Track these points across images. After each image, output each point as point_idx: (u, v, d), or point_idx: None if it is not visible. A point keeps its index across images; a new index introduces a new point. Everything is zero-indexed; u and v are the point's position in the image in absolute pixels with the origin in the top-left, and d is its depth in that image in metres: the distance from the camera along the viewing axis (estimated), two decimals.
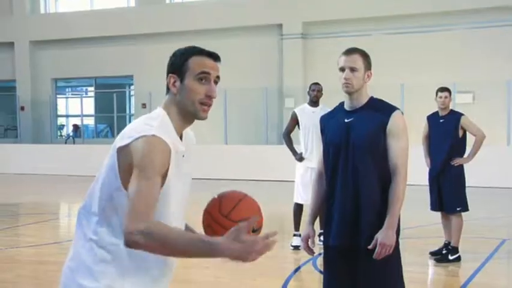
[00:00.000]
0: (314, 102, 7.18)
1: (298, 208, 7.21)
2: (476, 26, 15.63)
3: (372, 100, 3.23)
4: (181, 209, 2.18)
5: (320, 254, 6.71)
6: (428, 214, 7.06)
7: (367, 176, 3.13)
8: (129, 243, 1.89)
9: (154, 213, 1.93)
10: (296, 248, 7.00)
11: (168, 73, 2.12)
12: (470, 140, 6.54)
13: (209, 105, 2.11)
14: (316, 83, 7.23)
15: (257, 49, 17.86)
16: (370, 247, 3.06)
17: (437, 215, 6.69)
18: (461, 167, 6.50)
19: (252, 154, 15.24)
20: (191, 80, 2.07)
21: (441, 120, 6.58)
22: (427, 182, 6.72)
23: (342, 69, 3.17)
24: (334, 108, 3.39)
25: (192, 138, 2.29)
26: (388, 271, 3.15)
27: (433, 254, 6.57)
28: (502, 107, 14.26)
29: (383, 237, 3.02)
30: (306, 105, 7.29)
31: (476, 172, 12.48)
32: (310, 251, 3.29)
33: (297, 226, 7.19)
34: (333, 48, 16.75)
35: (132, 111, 21.50)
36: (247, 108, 17.59)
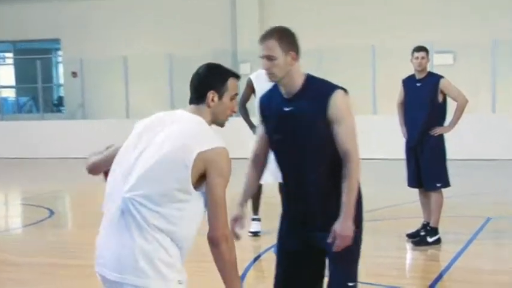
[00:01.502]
0: None
1: (258, 189, 7.24)
2: None
3: (308, 82, 3.30)
4: None
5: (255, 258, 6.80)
6: (405, 191, 7.19)
7: (317, 166, 3.30)
8: (215, 242, 2.69)
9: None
10: (255, 234, 7.06)
11: (206, 88, 2.84)
12: (450, 106, 6.65)
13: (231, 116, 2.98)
14: None
15: (206, 6, 17.68)
16: (328, 241, 3.22)
17: (415, 192, 6.81)
18: (441, 137, 6.62)
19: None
20: (228, 99, 2.87)
21: (418, 84, 6.66)
22: (403, 155, 6.84)
23: (262, 57, 3.28)
24: (272, 90, 3.45)
25: None
26: (355, 247, 3.32)
27: (410, 236, 6.71)
28: (486, 70, 14.53)
29: (340, 229, 3.19)
30: (262, 71, 7.24)
31: (457, 143, 12.77)
32: (236, 236, 3.34)
33: (255, 209, 7.23)
34: (293, 6, 16.86)
35: (61, 81, 21.10)
36: None
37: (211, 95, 2.83)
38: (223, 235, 2.68)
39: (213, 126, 2.89)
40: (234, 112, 2.95)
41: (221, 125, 2.94)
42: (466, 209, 8.41)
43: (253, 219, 7.17)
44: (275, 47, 3.19)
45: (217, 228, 2.68)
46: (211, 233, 2.69)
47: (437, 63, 14.77)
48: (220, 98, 2.85)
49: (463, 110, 6.62)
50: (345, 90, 3.27)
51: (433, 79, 6.62)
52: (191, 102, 2.89)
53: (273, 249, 6.47)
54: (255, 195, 7.26)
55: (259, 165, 3.49)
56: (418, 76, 6.67)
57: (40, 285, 5.72)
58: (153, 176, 2.67)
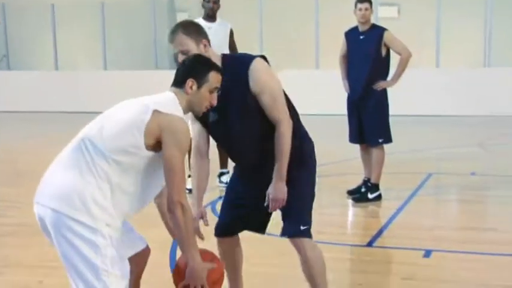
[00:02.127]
0: (210, 17, 7.15)
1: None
2: None
3: (225, 63, 3.42)
4: None
5: (220, 197, 6.87)
6: (347, 147, 7.32)
7: (259, 136, 3.49)
8: (171, 209, 2.87)
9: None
10: (191, 191, 7.08)
11: (187, 75, 3.03)
12: (394, 60, 6.75)
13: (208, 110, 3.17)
14: None
15: None
16: (265, 205, 3.49)
17: (357, 148, 6.95)
18: (384, 92, 6.73)
19: (138, 81, 14.94)
20: (206, 91, 3.05)
21: (361, 37, 6.73)
22: (345, 111, 6.93)
23: (175, 55, 3.43)
24: None
25: None
26: (307, 191, 3.61)
27: (350, 193, 6.86)
28: (430, 23, 14.76)
29: (273, 192, 3.46)
30: (201, 20, 7.21)
31: (400, 98, 13.00)
32: (199, 233, 3.51)
33: (223, 163, 7.38)
34: None
35: None
36: (130, 26, 17.17)
37: (190, 82, 3.02)
38: (177, 202, 2.84)
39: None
40: (212, 105, 3.11)
41: (197, 113, 3.14)
42: (408, 166, 8.63)
43: (223, 173, 7.36)
44: (185, 40, 3.35)
45: (171, 196, 2.86)
46: (167, 200, 2.89)
47: (381, 16, 14.94)
48: (198, 87, 3.03)
49: (407, 63, 6.73)
50: (262, 57, 3.45)
51: (377, 31, 6.70)
52: (172, 84, 3.09)
53: (210, 205, 6.55)
54: (222, 150, 7.35)
55: (204, 156, 3.63)
56: (362, 28, 6.74)
57: None
58: (112, 128, 2.90)
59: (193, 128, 3.63)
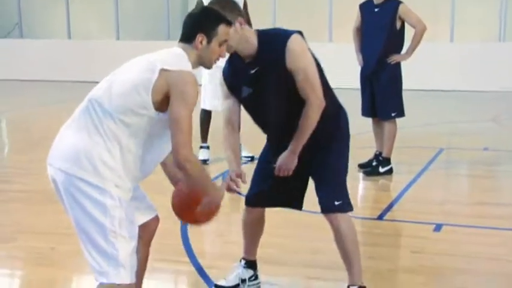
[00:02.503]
0: None
1: (206, 115, 7.25)
2: None
3: (262, 40, 3.44)
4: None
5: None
6: (359, 121, 7.29)
7: (294, 113, 3.47)
8: (180, 166, 2.84)
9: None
10: (204, 162, 7.09)
11: (196, 30, 2.98)
12: (408, 33, 6.69)
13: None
14: None
15: None
16: (273, 166, 3.59)
17: (369, 121, 6.92)
18: (398, 65, 6.69)
19: (150, 51, 14.93)
20: (216, 44, 3.00)
21: (376, 9, 6.67)
22: (358, 85, 6.90)
23: None
24: (229, 61, 3.61)
25: None
26: (339, 167, 3.66)
27: (362, 166, 6.85)
28: None
29: (282, 160, 3.53)
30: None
31: (414, 72, 12.93)
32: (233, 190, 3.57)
33: (204, 136, 7.25)
34: None
35: None
36: None
37: (200, 37, 2.98)
38: (185, 158, 2.81)
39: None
40: (222, 57, 3.08)
41: (207, 67, 3.08)
42: (420, 140, 8.60)
43: (201, 147, 7.20)
44: None
45: (177, 151, 2.82)
46: (174, 157, 2.85)
47: None
48: (208, 42, 2.99)
49: (422, 37, 6.67)
50: (299, 32, 3.42)
51: (392, 4, 6.63)
52: (180, 40, 3.04)
53: (221, 177, 6.56)
54: (204, 121, 7.28)
55: (236, 130, 3.66)
56: (376, 1, 6.67)
57: None
58: (119, 89, 2.88)
59: (225, 103, 3.67)
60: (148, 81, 2.84)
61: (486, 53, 13.91)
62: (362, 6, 6.87)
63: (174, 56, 2.96)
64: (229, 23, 3.06)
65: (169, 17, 16.16)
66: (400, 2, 6.65)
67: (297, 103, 3.43)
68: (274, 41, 3.42)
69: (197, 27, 2.99)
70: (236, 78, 3.57)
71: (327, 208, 3.59)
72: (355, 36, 6.92)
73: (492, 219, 5.31)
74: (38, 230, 5.06)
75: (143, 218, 3.19)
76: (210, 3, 3.40)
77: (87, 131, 2.86)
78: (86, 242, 2.87)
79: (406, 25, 6.67)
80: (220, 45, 3.02)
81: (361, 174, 6.72)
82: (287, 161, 3.51)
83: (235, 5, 3.41)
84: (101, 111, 2.86)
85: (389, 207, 5.69)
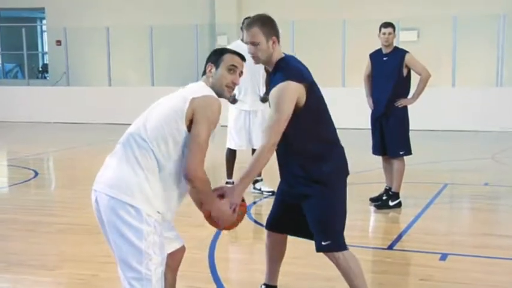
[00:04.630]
0: None
1: (231, 154, 7.26)
2: None
3: (278, 65, 3.48)
4: None
5: (254, 202, 6.87)
6: (370, 159, 7.26)
7: (283, 142, 3.46)
8: (190, 180, 2.91)
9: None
10: None
11: (206, 62, 3.17)
12: (414, 80, 6.69)
13: (232, 89, 3.17)
14: (250, 17, 7.17)
15: None
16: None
17: (379, 159, 6.88)
18: (405, 108, 6.67)
19: None
20: (223, 70, 3.10)
21: (384, 58, 6.69)
22: (369, 125, 6.88)
23: (246, 43, 3.50)
24: None
25: None
26: (324, 210, 3.50)
27: (373, 200, 6.79)
28: (447, 46, 14.61)
29: (229, 192, 3.28)
30: (239, 42, 7.22)
31: (419, 114, 12.87)
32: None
33: (229, 173, 7.25)
34: None
35: (46, 49, 20.75)
36: (175, 47, 17.30)
37: (209, 66, 3.14)
38: (195, 176, 2.90)
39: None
40: (234, 84, 3.13)
41: (223, 96, 3.13)
42: (426, 176, 8.51)
43: (227, 183, 7.20)
44: (258, 34, 3.39)
45: (189, 168, 2.89)
46: (186, 171, 2.90)
47: (402, 40, 14.81)
48: (216, 68, 3.11)
49: (426, 83, 6.67)
50: (299, 80, 3.37)
51: (399, 54, 6.64)
52: (202, 76, 3.20)
53: (248, 208, 6.53)
54: (229, 159, 7.30)
55: None
56: (385, 51, 6.69)
57: (16, 240, 5.69)
58: (153, 122, 2.97)
59: None
60: (181, 111, 2.93)
61: (486, 96, 13.86)
62: (372, 55, 6.89)
63: (199, 86, 3.09)
64: (235, 53, 3.16)
65: (198, 65, 16.33)
66: (406, 52, 6.67)
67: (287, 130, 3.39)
68: (280, 73, 3.41)
69: (207, 61, 3.19)
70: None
71: (317, 248, 3.54)
72: (365, 82, 6.93)
73: (495, 250, 5.22)
74: (80, 259, 5.06)
75: (171, 247, 3.19)
76: (253, 18, 3.48)
77: (128, 161, 2.91)
78: (123, 265, 2.89)
79: (412, 72, 6.67)
80: (229, 70, 3.12)
81: (372, 208, 6.67)
82: (229, 193, 3.25)
83: (274, 24, 3.46)
84: (140, 144, 2.93)
85: (399, 237, 5.62)
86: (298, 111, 3.38)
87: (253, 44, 3.40)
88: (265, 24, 3.41)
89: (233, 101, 7.13)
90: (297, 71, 3.43)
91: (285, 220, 3.72)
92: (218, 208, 3.11)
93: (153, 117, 3.00)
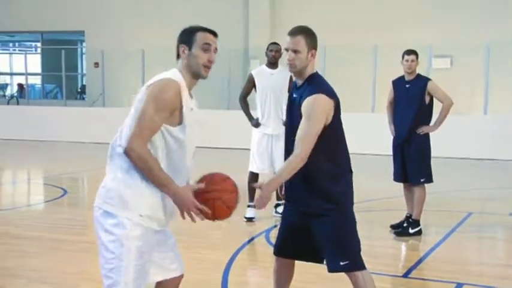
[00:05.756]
0: (272, 64, 7.23)
1: (253, 178, 7.29)
2: None
3: (311, 78, 3.55)
4: (191, 155, 3.02)
5: (275, 225, 6.87)
6: (391, 185, 7.21)
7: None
8: (127, 155, 2.78)
9: (150, 136, 2.81)
10: (250, 219, 7.11)
11: (178, 44, 2.98)
12: (437, 107, 6.66)
13: (209, 68, 2.98)
14: (275, 43, 7.27)
15: (220, 6, 17.71)
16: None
17: (400, 186, 6.83)
18: (426, 136, 6.63)
19: (213, 119, 15.24)
20: (197, 49, 2.93)
21: (407, 85, 6.67)
22: (391, 152, 6.85)
23: (286, 50, 3.52)
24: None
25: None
26: (340, 230, 3.52)
27: (393, 227, 6.74)
28: (480, 73, 14.47)
29: (262, 191, 3.39)
30: (264, 67, 7.33)
31: (451, 142, 12.77)
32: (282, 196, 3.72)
33: (251, 197, 7.28)
34: (303, 5, 16.82)
35: (84, 71, 21.21)
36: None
37: (182, 47, 2.97)
38: (130, 148, 2.77)
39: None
40: (210, 62, 2.96)
41: (201, 76, 2.98)
42: (451, 204, 8.41)
43: (249, 206, 7.23)
44: (302, 42, 3.46)
45: (127, 141, 2.79)
46: (125, 144, 2.81)
47: (435, 67, 14.76)
48: (190, 49, 2.95)
49: (448, 111, 6.62)
50: (330, 96, 3.45)
51: (422, 81, 6.63)
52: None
53: (265, 233, 6.55)
54: (251, 182, 7.32)
55: None
56: (408, 78, 6.68)
57: (39, 257, 5.80)
58: (126, 124, 2.90)
59: None
60: (140, 101, 2.84)
61: None
62: (395, 83, 6.89)
63: (162, 73, 2.94)
64: (207, 30, 2.99)
65: (230, 88, 16.47)
66: (429, 79, 6.65)
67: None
68: (314, 83, 3.50)
69: (178, 42, 3.00)
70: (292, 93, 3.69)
71: (334, 268, 3.55)
72: (388, 109, 6.93)
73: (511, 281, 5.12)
74: (99, 278, 5.12)
75: (164, 274, 3.09)
76: (299, 27, 3.52)
77: (110, 170, 2.91)
78: (101, 268, 2.89)
79: (435, 99, 6.63)
80: (203, 49, 2.94)
81: (392, 234, 6.61)
82: (263, 190, 3.37)
83: (316, 39, 3.54)
84: (117, 150, 2.89)
85: (415, 265, 5.56)
86: (322, 128, 3.44)
87: (295, 51, 3.44)
88: (309, 35, 3.50)
89: (256, 124, 7.19)
90: (329, 87, 3.53)
91: (293, 244, 3.72)
92: (176, 193, 2.83)
93: (125, 121, 2.94)
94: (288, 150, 3.57)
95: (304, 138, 3.38)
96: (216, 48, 2.99)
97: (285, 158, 3.62)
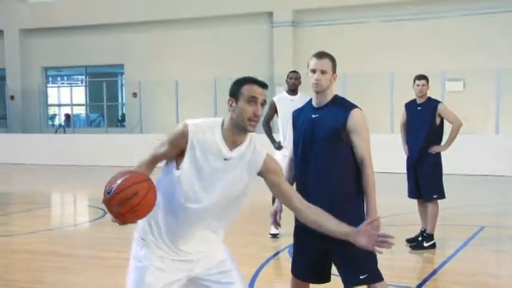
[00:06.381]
0: (292, 91, 7.26)
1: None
2: (467, 13, 15.68)
3: (336, 98, 3.64)
4: (200, 202, 2.76)
5: None
6: (407, 202, 7.14)
7: (331, 166, 3.51)
8: None
9: (150, 163, 2.84)
10: (274, 236, 7.09)
11: (228, 97, 2.79)
12: (447, 128, 6.60)
13: (256, 121, 2.74)
14: (294, 71, 7.32)
15: (247, 37, 17.91)
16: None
17: (416, 202, 6.76)
18: (438, 154, 6.58)
19: None
20: (243, 103, 2.71)
21: (418, 108, 6.65)
22: (405, 170, 6.80)
23: (313, 71, 3.57)
24: (304, 105, 3.79)
25: (258, 157, 2.86)
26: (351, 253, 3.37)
27: (409, 241, 6.66)
28: (492, 95, 14.31)
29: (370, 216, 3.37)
30: (285, 94, 7.37)
31: (466, 160, 12.61)
32: (276, 224, 3.73)
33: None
34: (323, 36, 16.91)
35: (124, 100, 21.56)
36: None
37: (229, 101, 2.78)
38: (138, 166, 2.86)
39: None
40: (256, 116, 2.71)
41: (246, 130, 2.74)
42: (464, 219, 8.28)
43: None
44: (328, 65, 3.56)
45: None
46: None
47: (448, 90, 14.63)
48: (236, 102, 2.74)
49: (458, 131, 6.57)
50: (360, 109, 3.58)
51: (432, 104, 6.60)
52: None
53: (288, 248, 6.53)
54: (275, 200, 7.32)
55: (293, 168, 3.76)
56: (419, 101, 6.66)
57: (78, 273, 5.87)
58: None
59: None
60: None
61: None
62: (407, 105, 6.86)
63: (199, 119, 2.85)
64: (255, 82, 2.77)
65: None
66: (439, 102, 6.62)
67: (334, 156, 3.48)
68: (344, 102, 3.61)
69: (229, 94, 2.82)
70: (299, 115, 3.73)
71: (353, 283, 3.51)
72: (401, 130, 6.90)
73: None
74: None
75: None
76: (323, 51, 3.62)
77: None
78: None
79: (445, 121, 6.59)
80: (248, 102, 2.72)
81: (407, 248, 6.53)
82: (371, 215, 3.37)
83: (336, 64, 3.61)
84: None
85: (429, 277, 5.49)
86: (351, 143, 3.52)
87: (322, 71, 3.52)
88: (333, 60, 3.61)
89: (278, 147, 7.21)
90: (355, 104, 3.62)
91: (313, 269, 3.65)
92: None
93: None
94: (303, 167, 3.56)
95: (366, 152, 3.48)
96: (264, 100, 2.76)
97: (299, 173, 3.59)
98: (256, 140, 2.89)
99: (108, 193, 2.57)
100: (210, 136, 2.73)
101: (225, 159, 2.76)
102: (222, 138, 2.75)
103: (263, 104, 2.77)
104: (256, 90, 2.74)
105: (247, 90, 2.74)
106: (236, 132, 2.75)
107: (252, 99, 2.72)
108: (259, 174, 2.87)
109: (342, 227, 2.90)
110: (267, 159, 2.88)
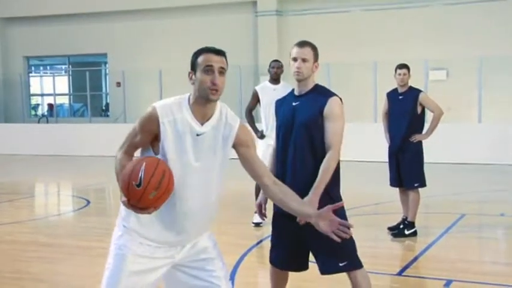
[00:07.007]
0: (274, 80, 7.27)
1: (259, 186, 7.31)
2: (450, 2, 15.77)
3: (316, 87, 3.67)
4: (185, 182, 2.72)
5: None
6: (390, 190, 7.21)
7: (309, 152, 3.54)
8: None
9: (130, 154, 2.81)
10: (257, 225, 7.13)
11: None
12: (429, 117, 6.66)
13: (216, 90, 2.67)
14: (276, 60, 7.32)
15: (231, 27, 17.85)
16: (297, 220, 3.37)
17: (397, 191, 6.83)
18: (419, 143, 6.64)
19: None
20: (200, 73, 2.67)
21: (400, 97, 6.70)
22: (387, 159, 6.86)
23: (295, 59, 3.60)
24: (287, 94, 3.83)
25: (230, 130, 2.81)
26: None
27: (390, 229, 6.74)
28: (475, 84, 14.42)
29: (311, 202, 3.37)
30: (267, 83, 7.39)
31: (448, 148, 12.73)
32: (262, 215, 3.77)
33: None
34: (308, 25, 16.92)
35: (108, 90, 21.43)
36: None
37: (189, 74, 2.75)
38: (117, 153, 2.84)
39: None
40: (214, 84, 2.66)
41: (210, 99, 2.70)
42: (446, 207, 8.38)
43: (256, 212, 7.24)
44: (310, 53, 3.58)
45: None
46: None
47: (432, 79, 14.73)
48: (195, 74, 2.71)
49: (439, 120, 6.63)
50: (340, 99, 3.62)
51: (413, 93, 6.64)
52: None
53: (271, 237, 6.56)
54: (258, 189, 7.35)
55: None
56: (400, 90, 6.70)
57: (61, 263, 5.88)
58: None
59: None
60: None
61: (509, 132, 13.55)
62: (389, 94, 6.91)
63: (168, 99, 2.85)
64: (209, 51, 2.72)
65: (242, 104, 16.51)
66: (420, 91, 6.68)
67: (312, 143, 3.50)
68: (324, 90, 3.63)
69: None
70: (281, 104, 3.76)
71: (333, 270, 3.54)
72: (383, 119, 6.95)
73: (500, 277, 5.11)
74: None
75: None
76: (305, 40, 3.63)
77: None
78: None
79: (426, 109, 6.64)
80: (205, 72, 2.68)
81: (389, 236, 6.61)
82: (310, 203, 3.33)
83: (318, 53, 3.63)
84: None
85: (410, 264, 5.57)
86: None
87: (303, 60, 3.54)
88: (315, 49, 3.62)
89: (261, 136, 7.23)
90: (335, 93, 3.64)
91: (291, 257, 3.68)
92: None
93: None
94: (283, 154, 3.60)
95: (335, 139, 3.49)
96: (222, 68, 2.70)
97: (280, 160, 3.63)
98: (228, 110, 2.84)
99: (139, 186, 2.52)
100: (179, 115, 2.71)
101: (198, 135, 2.73)
102: (191, 114, 2.73)
103: (221, 71, 2.70)
104: (212, 58, 2.69)
105: (202, 60, 2.69)
106: (202, 104, 2.72)
107: (209, 68, 2.67)
108: (233, 146, 2.85)
109: (304, 208, 2.91)
110: (239, 132, 2.84)
